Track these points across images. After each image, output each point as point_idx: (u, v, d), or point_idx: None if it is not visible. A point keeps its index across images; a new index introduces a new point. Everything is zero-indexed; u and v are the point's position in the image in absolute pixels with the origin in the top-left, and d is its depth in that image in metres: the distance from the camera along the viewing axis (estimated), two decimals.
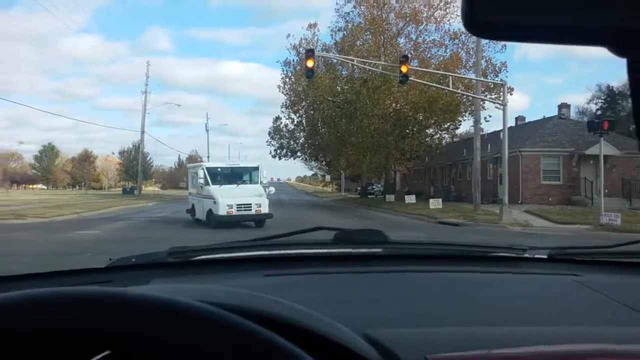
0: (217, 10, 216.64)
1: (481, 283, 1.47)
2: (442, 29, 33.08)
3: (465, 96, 28.82)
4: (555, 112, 34.95)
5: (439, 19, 32.87)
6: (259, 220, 16.91)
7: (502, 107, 21.57)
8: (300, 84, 36.33)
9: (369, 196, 44.97)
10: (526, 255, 1.69)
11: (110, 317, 0.60)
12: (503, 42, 25.21)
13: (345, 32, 34.59)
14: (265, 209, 16.93)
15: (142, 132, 50.50)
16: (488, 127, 36.66)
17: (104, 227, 16.83)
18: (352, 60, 25.90)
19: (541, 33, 0.50)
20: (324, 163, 55.93)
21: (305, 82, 32.90)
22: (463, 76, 28.88)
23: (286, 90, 39.59)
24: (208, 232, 15.20)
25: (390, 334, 0.93)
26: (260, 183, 18.32)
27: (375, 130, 30.94)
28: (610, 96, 48.07)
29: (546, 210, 22.85)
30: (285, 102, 40.55)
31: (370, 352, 0.79)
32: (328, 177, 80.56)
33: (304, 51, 24.67)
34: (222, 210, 16.29)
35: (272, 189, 20.20)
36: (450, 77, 23.46)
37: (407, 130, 33.48)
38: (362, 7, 33.97)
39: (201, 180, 17.58)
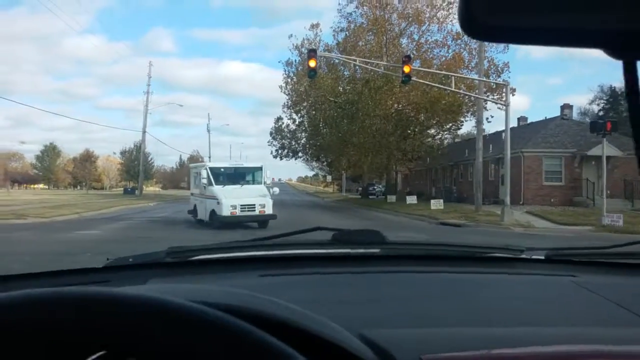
0: (219, 10, 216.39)
1: (478, 284, 1.47)
2: (444, 30, 33.04)
3: (467, 97, 28.78)
4: (556, 113, 35.04)
5: (441, 20, 32.84)
6: (263, 221, 16.65)
7: (504, 107, 21.54)
8: (302, 84, 36.26)
9: (370, 197, 44.93)
10: (523, 256, 1.69)
11: (106, 317, 0.60)
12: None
13: (347, 33, 34.59)
14: (269, 210, 16.69)
15: (144, 132, 50.66)
16: (490, 128, 36.75)
17: (104, 227, 16.81)
18: (354, 61, 25.82)
19: (537, 35, 0.50)
20: (325, 163, 55.96)
21: (307, 82, 32.84)
22: (465, 76, 28.86)
23: (288, 91, 39.63)
24: (209, 232, 15.14)
25: (386, 334, 0.93)
26: (264, 183, 18.16)
27: (376, 130, 30.90)
28: (613, 97, 48.01)
29: (548, 211, 22.79)
30: (287, 102, 40.59)
31: (366, 352, 0.79)
32: (329, 178, 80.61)
33: (306, 51, 24.60)
34: (226, 211, 16.08)
35: (277, 190, 19.93)
36: (453, 78, 23.46)
37: (409, 131, 33.45)
38: (364, 7, 33.93)
39: (204, 181, 17.38)
